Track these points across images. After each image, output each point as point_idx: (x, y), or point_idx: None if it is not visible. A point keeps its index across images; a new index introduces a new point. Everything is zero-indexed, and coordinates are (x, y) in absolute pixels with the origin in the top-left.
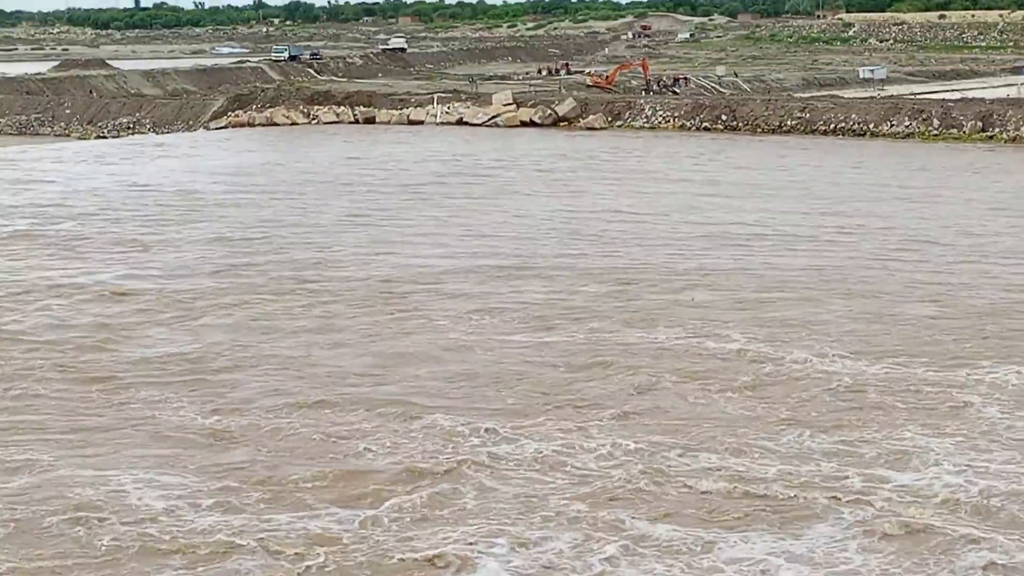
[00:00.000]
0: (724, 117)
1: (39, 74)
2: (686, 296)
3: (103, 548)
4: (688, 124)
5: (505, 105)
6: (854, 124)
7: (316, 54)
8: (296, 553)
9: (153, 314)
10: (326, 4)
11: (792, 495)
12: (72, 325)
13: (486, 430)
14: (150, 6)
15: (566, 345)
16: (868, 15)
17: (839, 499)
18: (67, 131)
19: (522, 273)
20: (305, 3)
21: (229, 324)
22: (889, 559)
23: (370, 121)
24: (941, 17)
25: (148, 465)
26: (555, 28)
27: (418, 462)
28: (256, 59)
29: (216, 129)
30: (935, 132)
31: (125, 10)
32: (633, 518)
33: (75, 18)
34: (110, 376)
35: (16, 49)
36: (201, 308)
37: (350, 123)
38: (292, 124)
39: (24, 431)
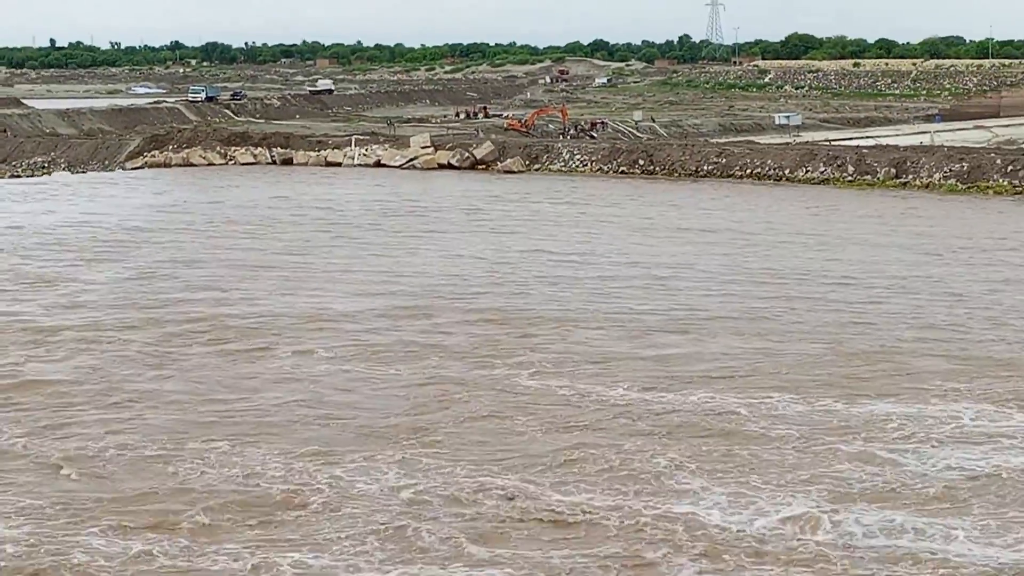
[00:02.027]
0: (641, 161)
1: None
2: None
3: None
4: (606, 168)
5: (423, 148)
6: (770, 169)
7: (238, 94)
8: None
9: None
10: (243, 45)
11: None
12: None
13: None
14: (66, 45)
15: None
16: (783, 62)
17: None
18: None
19: (412, 313)
20: (222, 44)
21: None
22: None
23: (288, 163)
24: (855, 65)
25: None
26: (473, 72)
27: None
28: (173, 99)
29: (132, 169)
30: (850, 178)
31: (40, 49)
32: None
33: None
34: None
35: None
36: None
37: (267, 164)
38: (209, 164)
39: None
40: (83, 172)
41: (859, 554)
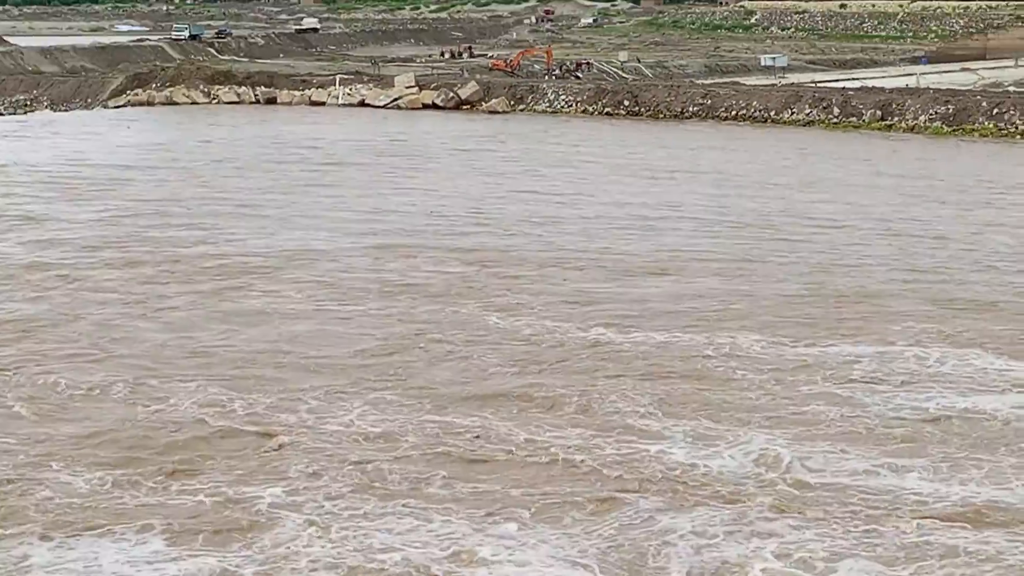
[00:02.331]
0: (626, 103)
1: None
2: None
3: None
4: (590, 109)
5: (407, 88)
6: (755, 111)
7: (223, 32)
8: None
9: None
10: None
11: None
12: None
13: None
14: None
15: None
16: (770, 3)
17: None
18: None
19: (395, 252)
20: None
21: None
22: None
23: (271, 102)
24: (842, 7)
25: None
26: (458, 11)
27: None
28: (156, 38)
29: (115, 108)
30: (835, 120)
31: None
32: None
33: None
34: None
35: None
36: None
37: (251, 103)
38: (192, 103)
39: None
40: (66, 110)
41: (812, 493)
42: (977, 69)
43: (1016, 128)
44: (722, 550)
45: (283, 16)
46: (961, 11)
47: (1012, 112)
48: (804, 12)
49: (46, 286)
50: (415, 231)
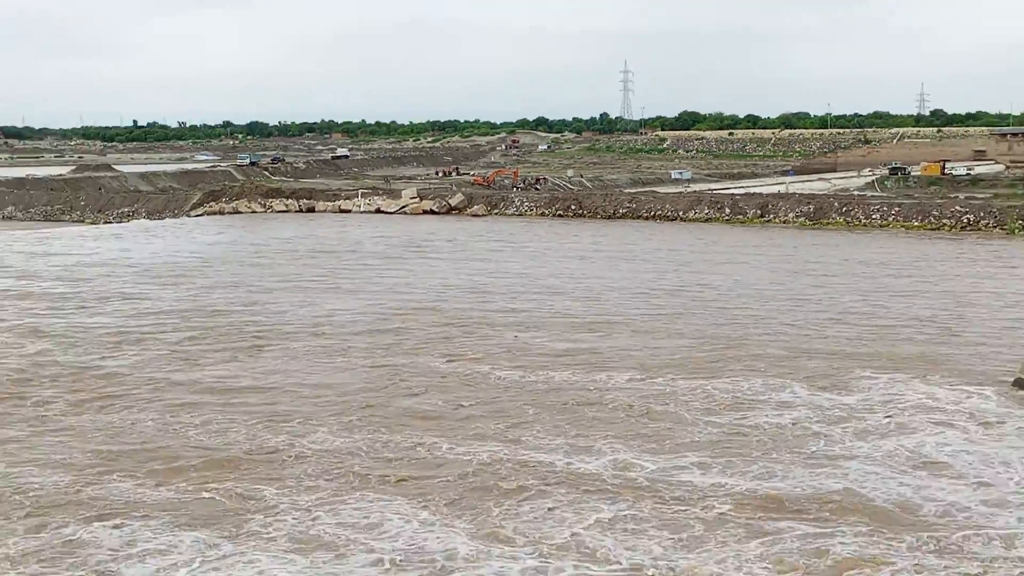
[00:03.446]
0: (573, 207)
1: (60, 175)
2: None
3: None
4: (547, 212)
5: (412, 198)
6: (668, 211)
7: (276, 159)
8: None
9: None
10: (277, 123)
11: None
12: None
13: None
14: (145, 124)
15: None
16: (677, 132)
17: None
18: (82, 218)
19: (401, 315)
20: (261, 123)
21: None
22: None
23: (311, 210)
24: (730, 134)
25: None
26: (448, 141)
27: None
28: (226, 164)
29: (195, 217)
30: (727, 217)
31: (126, 127)
32: None
33: (88, 133)
34: None
35: (43, 156)
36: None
37: (296, 212)
38: (252, 212)
39: None
40: (159, 219)
41: (659, 486)
42: (830, 178)
43: (860, 221)
44: (564, 512)
45: (319, 148)
46: (817, 136)
47: (856, 210)
48: (702, 138)
49: (131, 347)
50: (419, 302)
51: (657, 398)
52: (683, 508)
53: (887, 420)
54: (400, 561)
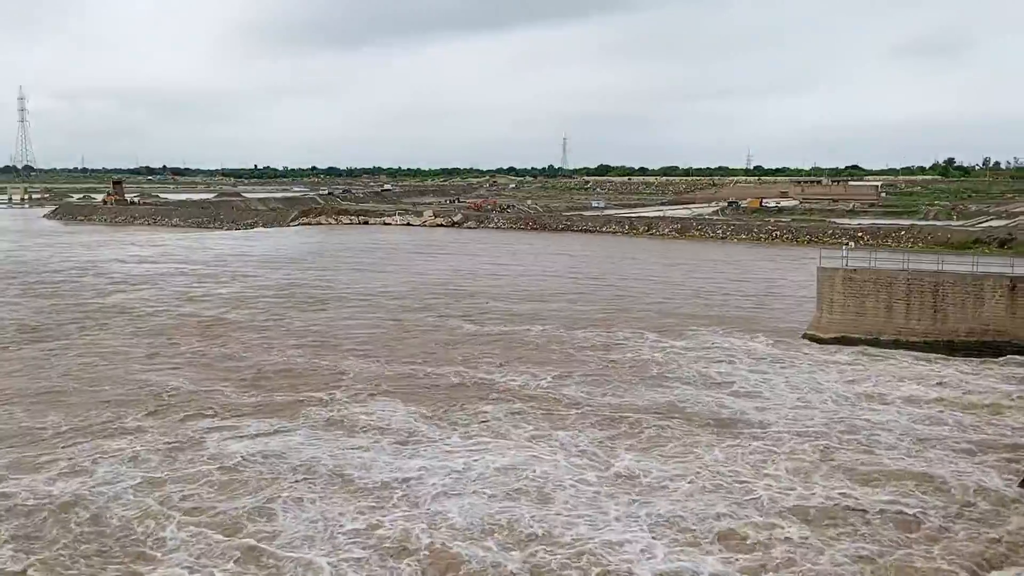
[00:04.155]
0: (530, 223)
1: (208, 199)
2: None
3: None
4: (514, 227)
5: (429, 217)
6: (589, 227)
7: (346, 191)
8: None
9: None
10: (345, 168)
11: None
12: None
13: None
14: (262, 167)
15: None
16: (596, 177)
17: None
18: (221, 226)
19: (417, 292)
20: (335, 167)
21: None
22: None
23: (365, 223)
24: (629, 179)
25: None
26: (452, 181)
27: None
28: (312, 193)
29: (293, 227)
30: (626, 231)
31: (249, 169)
32: None
33: (225, 172)
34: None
35: (196, 187)
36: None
37: (356, 224)
38: (329, 225)
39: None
40: (270, 227)
41: (549, 393)
42: (691, 208)
43: (708, 235)
44: (491, 409)
45: (372, 184)
46: (683, 181)
47: (707, 228)
48: (612, 182)
49: (245, 307)
50: (431, 280)
51: (564, 343)
52: (562, 408)
53: (702, 356)
54: (385, 430)
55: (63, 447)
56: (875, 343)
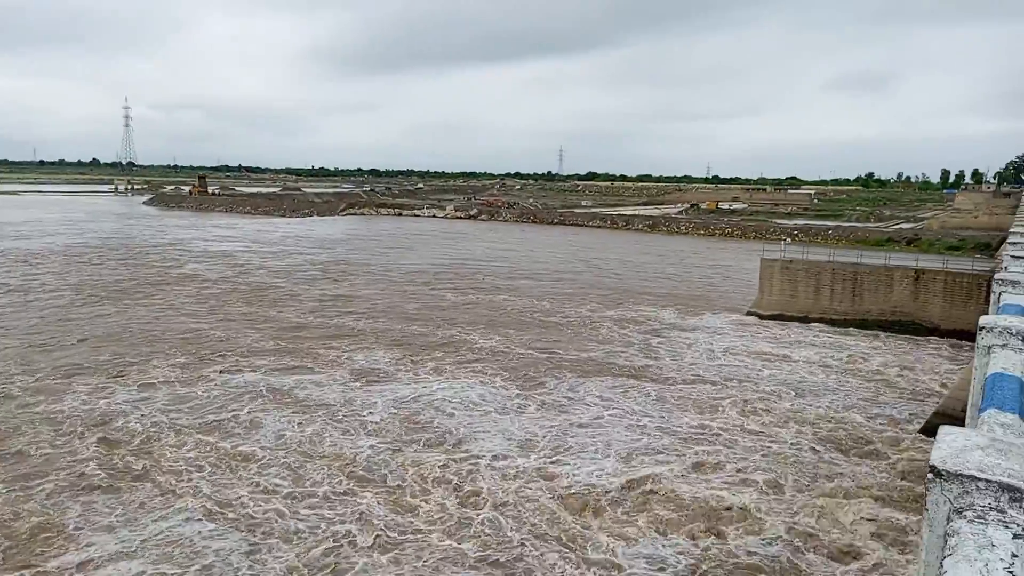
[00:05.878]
0: (532, 218)
1: (273, 191)
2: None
3: None
4: (519, 220)
5: (451, 210)
6: (579, 222)
7: (389, 187)
8: None
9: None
10: (385, 170)
11: None
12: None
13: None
14: (318, 168)
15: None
16: (585, 182)
17: None
18: (283, 215)
19: (439, 268)
20: (377, 169)
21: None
22: None
23: (399, 215)
24: (612, 184)
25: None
26: (470, 182)
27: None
28: (358, 189)
29: (342, 216)
30: (608, 227)
31: (308, 168)
32: None
33: (288, 170)
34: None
35: (264, 183)
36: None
37: (393, 216)
38: (370, 216)
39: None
40: (323, 216)
41: (527, 352)
42: (662, 208)
43: (674, 230)
44: (475, 362)
45: (406, 184)
46: (655, 187)
47: (673, 224)
48: (598, 186)
49: (292, 274)
50: (446, 261)
51: (549, 313)
52: (533, 363)
53: (657, 330)
54: (375, 373)
55: (105, 373)
56: (804, 320)
